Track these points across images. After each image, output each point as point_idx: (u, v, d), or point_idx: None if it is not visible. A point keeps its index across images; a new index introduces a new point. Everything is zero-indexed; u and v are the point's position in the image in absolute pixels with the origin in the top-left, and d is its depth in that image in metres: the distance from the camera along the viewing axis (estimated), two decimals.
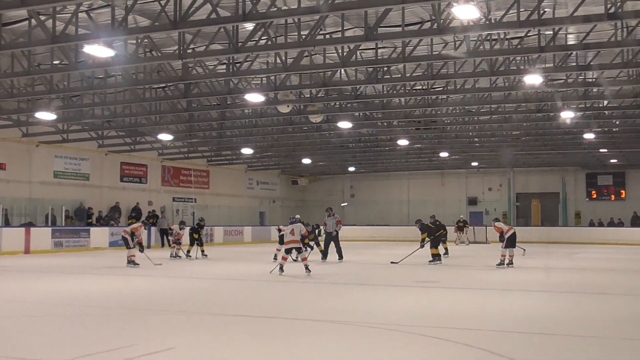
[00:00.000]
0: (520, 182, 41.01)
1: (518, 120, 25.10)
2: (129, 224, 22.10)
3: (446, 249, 21.28)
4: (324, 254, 19.36)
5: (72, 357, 6.40)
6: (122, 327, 8.28)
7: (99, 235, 26.51)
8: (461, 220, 32.25)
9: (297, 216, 16.80)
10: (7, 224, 24.29)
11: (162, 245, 28.37)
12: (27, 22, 14.68)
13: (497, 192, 41.57)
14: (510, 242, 17.18)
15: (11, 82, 19.25)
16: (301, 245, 15.35)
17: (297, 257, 16.00)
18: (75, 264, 19.08)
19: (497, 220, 18.47)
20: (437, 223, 19.43)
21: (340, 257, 19.26)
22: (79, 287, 13.06)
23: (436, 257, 18.37)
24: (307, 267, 14.67)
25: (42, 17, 13.72)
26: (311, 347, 7.10)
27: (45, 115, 21.80)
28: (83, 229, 26.21)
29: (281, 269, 14.83)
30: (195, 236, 21.53)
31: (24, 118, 23.92)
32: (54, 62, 17.88)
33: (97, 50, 14.45)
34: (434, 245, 18.53)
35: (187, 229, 21.87)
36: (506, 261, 17.13)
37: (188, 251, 21.34)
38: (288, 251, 15.16)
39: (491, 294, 11.97)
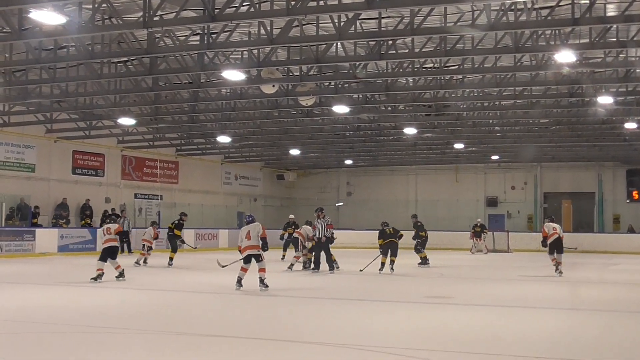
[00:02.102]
0: (549, 180, 41.11)
1: (547, 106, 25.12)
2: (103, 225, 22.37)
3: (425, 257, 22.25)
4: (316, 263, 19.46)
5: None
6: (69, 349, 8.24)
7: (47, 238, 26.45)
8: (478, 224, 32.27)
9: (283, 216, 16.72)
10: None
11: (122, 250, 28.26)
12: None
13: (521, 192, 41.65)
14: (554, 247, 18.55)
15: None
16: (260, 252, 14.27)
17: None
18: (18, 271, 19.00)
19: (551, 219, 19.74)
20: (419, 224, 22.50)
21: (331, 267, 19.30)
22: (21, 300, 13.01)
23: (383, 265, 19.18)
24: (262, 281, 14.08)
25: None
26: None
27: None
28: (27, 231, 26.13)
29: (239, 282, 14.22)
30: (178, 233, 22.17)
31: None
32: None
33: (46, 17, 14.34)
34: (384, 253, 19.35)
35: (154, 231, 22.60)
36: (560, 267, 18.45)
37: (171, 259, 21.66)
38: (247, 260, 14.24)
39: (513, 312, 12.00)
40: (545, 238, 18.71)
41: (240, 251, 14.43)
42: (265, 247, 14.26)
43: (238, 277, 14.25)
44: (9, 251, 24.74)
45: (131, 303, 12.85)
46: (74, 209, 30.17)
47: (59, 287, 15.29)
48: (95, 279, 15.65)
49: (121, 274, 16.22)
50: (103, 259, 16.02)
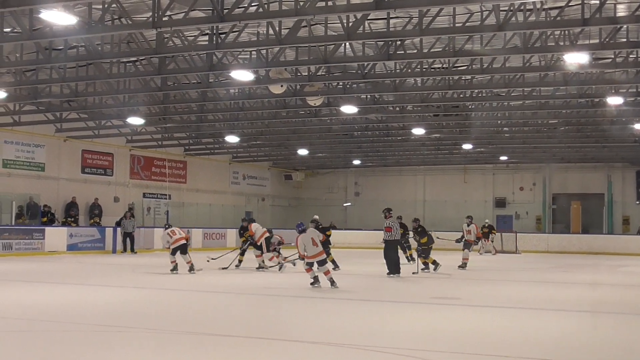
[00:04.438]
0: (558, 181, 41.03)
1: (556, 106, 25.07)
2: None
3: (410, 256, 22.65)
4: (396, 266, 18.11)
5: None
6: (76, 347, 8.28)
7: (56, 236, 26.55)
8: (486, 225, 32.19)
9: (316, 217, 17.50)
10: None
11: (125, 250, 28.39)
12: None
13: (529, 193, 41.58)
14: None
15: None
16: (325, 256, 15.51)
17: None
18: (27, 270, 19.08)
19: (472, 220, 22.64)
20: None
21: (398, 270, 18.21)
22: (30, 298, 13.06)
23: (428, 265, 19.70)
24: (333, 282, 14.82)
25: None
26: None
27: None
28: (37, 229, 26.23)
29: (316, 280, 15.08)
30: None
31: None
32: (4, 30, 17.83)
33: (56, 17, 14.39)
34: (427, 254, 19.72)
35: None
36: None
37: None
38: (321, 263, 15.18)
39: (520, 314, 11.97)
40: (478, 239, 21.16)
41: (304, 258, 15.21)
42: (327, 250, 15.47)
43: (313, 276, 15.08)
44: (19, 249, 24.84)
45: (137, 302, 12.88)
46: (83, 208, 30.27)
47: (68, 285, 15.35)
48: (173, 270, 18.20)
49: (191, 268, 18.32)
50: (182, 252, 18.34)
